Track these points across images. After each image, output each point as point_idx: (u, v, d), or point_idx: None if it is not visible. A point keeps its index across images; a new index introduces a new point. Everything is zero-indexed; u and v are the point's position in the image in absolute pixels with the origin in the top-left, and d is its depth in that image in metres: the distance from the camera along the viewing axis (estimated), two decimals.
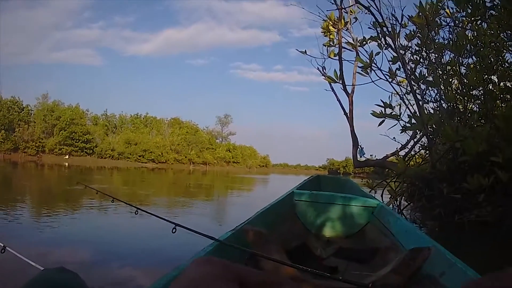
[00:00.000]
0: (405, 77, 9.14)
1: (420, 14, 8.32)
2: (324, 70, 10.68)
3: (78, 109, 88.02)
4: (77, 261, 4.41)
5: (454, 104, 8.91)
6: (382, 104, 8.16)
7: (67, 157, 78.78)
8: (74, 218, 7.71)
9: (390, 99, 8.22)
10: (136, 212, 3.35)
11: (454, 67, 8.61)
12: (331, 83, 10.68)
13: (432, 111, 9.46)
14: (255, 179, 41.30)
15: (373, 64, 8.93)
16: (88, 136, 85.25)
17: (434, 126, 8.41)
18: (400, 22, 9.13)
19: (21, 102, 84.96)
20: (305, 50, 10.59)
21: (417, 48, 9.49)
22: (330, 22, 10.67)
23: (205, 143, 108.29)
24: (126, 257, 4.86)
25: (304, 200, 4.95)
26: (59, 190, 15.40)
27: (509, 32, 7.17)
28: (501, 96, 8.23)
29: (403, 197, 10.21)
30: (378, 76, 9.04)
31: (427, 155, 10.13)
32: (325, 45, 10.94)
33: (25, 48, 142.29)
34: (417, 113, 8.40)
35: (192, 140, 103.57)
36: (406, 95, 9.70)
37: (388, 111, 8.16)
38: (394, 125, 8.58)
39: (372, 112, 8.26)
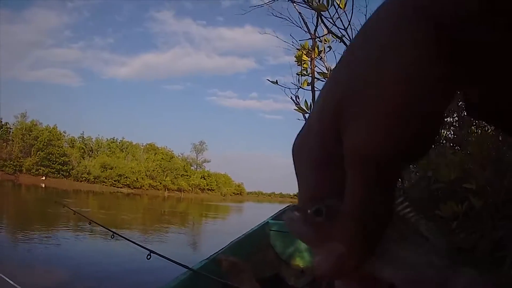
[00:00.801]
0: None
1: None
2: (298, 100, 10.68)
3: (56, 130, 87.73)
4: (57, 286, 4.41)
5: None
6: None
7: (43, 178, 78.02)
8: (53, 242, 7.61)
9: None
10: (112, 236, 3.31)
11: None
12: (304, 114, 10.70)
13: None
14: (230, 208, 41.30)
15: None
16: (65, 158, 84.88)
17: None
18: None
19: (0, 119, 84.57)
20: (276, 80, 10.46)
21: None
22: (303, 51, 10.74)
23: (180, 170, 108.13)
24: (102, 281, 4.85)
25: (279, 230, 4.92)
26: (39, 212, 15.17)
27: None
28: (476, 122, 8.30)
29: None
30: None
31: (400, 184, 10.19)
32: (298, 75, 11.00)
33: (4, 64, 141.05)
34: None
35: (167, 167, 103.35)
36: None
37: None
38: None
39: None
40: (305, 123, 0.33)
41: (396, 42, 0.27)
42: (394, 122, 0.27)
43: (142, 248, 2.83)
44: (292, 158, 0.34)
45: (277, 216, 6.77)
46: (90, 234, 8.25)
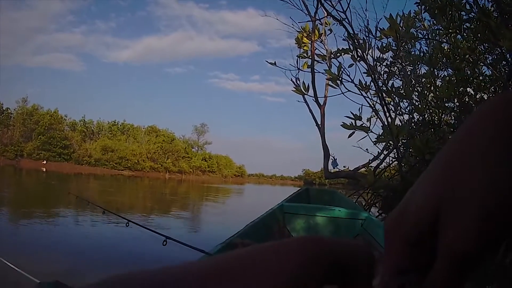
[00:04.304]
0: (375, 89, 9.07)
1: (392, 27, 8.25)
2: (298, 82, 10.56)
3: (57, 114, 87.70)
4: (71, 274, 4.40)
5: (428, 116, 8.97)
6: (352, 116, 7.90)
7: (44, 162, 78.19)
8: (66, 229, 7.55)
9: (360, 111, 8.00)
10: (127, 224, 3.36)
11: (429, 79, 8.63)
12: (303, 95, 10.59)
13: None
14: (232, 190, 41.27)
15: (345, 76, 8.81)
16: (66, 142, 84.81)
17: (404, 138, 8.44)
18: (374, 34, 9.17)
19: (1, 104, 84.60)
20: (275, 62, 10.46)
21: (392, 60, 9.43)
22: (304, 34, 10.71)
23: (181, 152, 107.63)
24: (119, 269, 4.89)
25: (294, 212, 4.96)
26: (50, 199, 14.98)
27: (485, 45, 7.17)
28: (477, 108, 8.08)
29: (374, 208, 10.22)
30: (347, 89, 8.88)
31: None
32: (298, 57, 10.93)
33: (7, 50, 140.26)
34: (388, 125, 8.32)
35: (168, 149, 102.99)
36: (378, 106, 9.60)
37: (358, 123, 7.96)
38: (364, 137, 8.39)
39: (342, 124, 8.07)
40: (403, 200, 0.39)
41: (489, 155, 0.33)
42: (485, 225, 0.32)
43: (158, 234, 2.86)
44: (384, 227, 0.39)
45: (291, 199, 6.82)
46: (104, 222, 8.12)
